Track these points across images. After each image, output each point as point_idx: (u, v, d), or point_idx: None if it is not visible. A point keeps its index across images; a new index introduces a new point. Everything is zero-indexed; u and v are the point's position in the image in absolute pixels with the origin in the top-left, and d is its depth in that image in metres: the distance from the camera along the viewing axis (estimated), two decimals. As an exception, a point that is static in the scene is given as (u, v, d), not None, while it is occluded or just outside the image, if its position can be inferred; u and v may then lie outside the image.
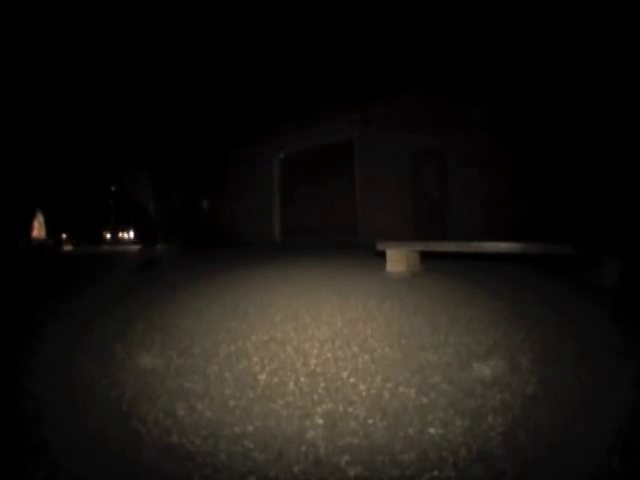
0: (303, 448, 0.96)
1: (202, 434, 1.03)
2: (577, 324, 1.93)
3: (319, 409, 1.15)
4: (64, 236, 20.96)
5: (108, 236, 33.95)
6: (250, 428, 1.05)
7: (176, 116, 14.11)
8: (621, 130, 6.00)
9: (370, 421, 1.08)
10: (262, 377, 1.37)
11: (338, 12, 9.17)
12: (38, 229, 14.63)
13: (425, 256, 3.69)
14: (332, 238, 10.51)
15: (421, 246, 3.28)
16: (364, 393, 1.24)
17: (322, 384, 1.31)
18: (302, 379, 1.35)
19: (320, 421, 1.08)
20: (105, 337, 1.84)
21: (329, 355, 1.57)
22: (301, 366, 1.46)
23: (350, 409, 1.14)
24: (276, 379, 1.35)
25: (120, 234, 33.41)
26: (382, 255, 3.50)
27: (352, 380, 1.33)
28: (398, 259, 3.36)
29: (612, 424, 1.05)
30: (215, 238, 13.99)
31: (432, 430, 1.03)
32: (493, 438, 1.00)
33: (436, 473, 0.87)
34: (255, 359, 1.54)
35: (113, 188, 27.93)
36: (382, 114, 9.41)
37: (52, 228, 15.37)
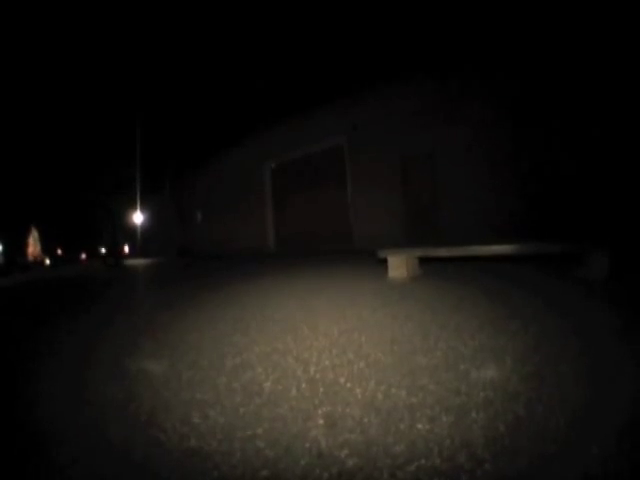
0: (307, 444, 1.10)
1: (217, 438, 1.16)
2: (561, 318, 2.07)
3: (320, 411, 1.28)
4: (59, 252, 20.88)
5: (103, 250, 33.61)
6: (260, 430, 1.19)
7: (167, 129, 14.28)
8: (608, 130, 6.19)
9: (365, 419, 1.22)
10: (267, 385, 1.51)
11: (323, 18, 9.33)
12: (33, 245, 14.66)
13: (424, 260, 3.84)
14: (327, 245, 10.65)
15: (420, 252, 3.46)
16: (359, 395, 1.38)
17: (321, 389, 1.44)
18: (303, 385, 1.49)
19: (321, 421, 1.22)
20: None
21: (327, 362, 1.71)
22: (302, 373, 1.60)
23: (347, 410, 1.28)
24: (280, 386, 1.49)
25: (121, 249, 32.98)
26: (383, 262, 3.67)
27: (349, 385, 1.47)
28: (399, 265, 3.55)
29: (590, 414, 1.18)
30: (210, 249, 14.10)
31: (420, 425, 1.17)
32: (475, 431, 1.13)
33: (423, 462, 1.01)
34: (259, 369, 1.67)
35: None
36: (370, 118, 9.57)
37: (48, 244, 15.41)
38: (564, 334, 1.83)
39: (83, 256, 31.26)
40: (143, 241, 21.39)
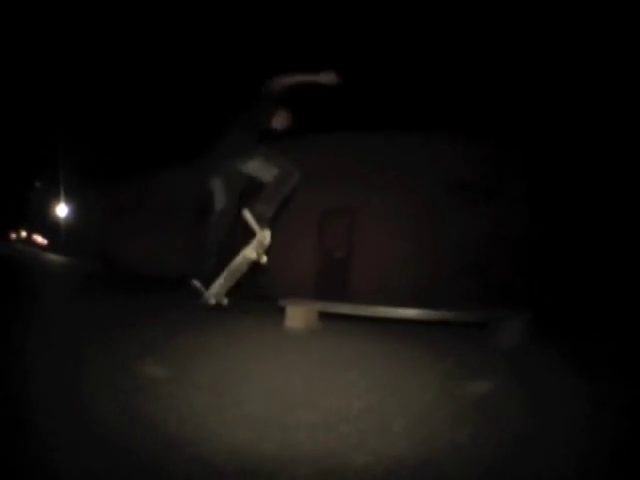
0: None
1: None
2: (450, 386, 2.04)
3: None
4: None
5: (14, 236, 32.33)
6: None
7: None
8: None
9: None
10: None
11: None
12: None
13: (330, 315, 3.75)
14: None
15: (320, 306, 3.40)
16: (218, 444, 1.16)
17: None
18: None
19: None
20: None
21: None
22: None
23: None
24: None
25: (35, 236, 28.83)
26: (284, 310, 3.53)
27: (210, 435, 1.24)
28: (297, 316, 3.43)
29: None
30: (139, 265, 12.47)
31: None
32: None
33: None
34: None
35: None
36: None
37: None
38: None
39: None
40: (68, 236, 19.16)
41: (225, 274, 2.79)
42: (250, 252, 2.78)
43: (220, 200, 3.01)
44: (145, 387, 1.66)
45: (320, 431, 1.36)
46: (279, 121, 3.05)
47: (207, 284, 2.77)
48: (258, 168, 2.88)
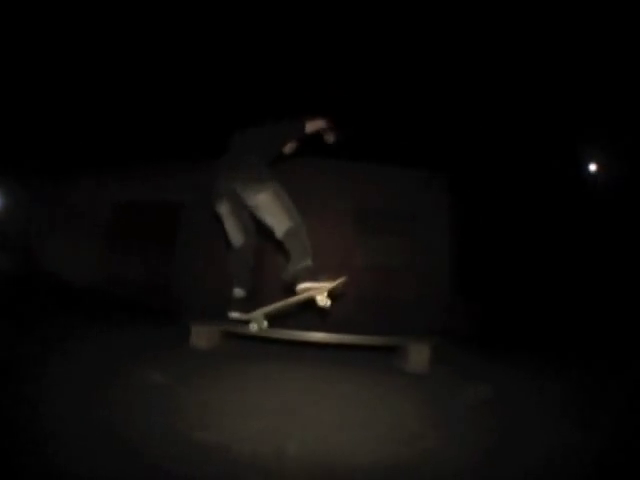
0: None
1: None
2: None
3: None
4: None
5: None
6: None
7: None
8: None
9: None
10: None
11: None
12: None
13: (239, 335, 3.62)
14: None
15: (225, 326, 3.31)
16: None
17: None
18: None
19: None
20: None
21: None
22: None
23: None
24: None
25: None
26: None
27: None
28: (201, 335, 3.41)
29: None
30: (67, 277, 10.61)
31: None
32: None
33: None
34: None
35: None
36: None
37: None
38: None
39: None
40: None
41: (279, 305, 2.66)
42: (323, 300, 2.49)
43: (236, 238, 2.77)
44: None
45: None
46: (290, 147, 2.96)
47: (246, 311, 2.72)
48: (265, 204, 2.54)
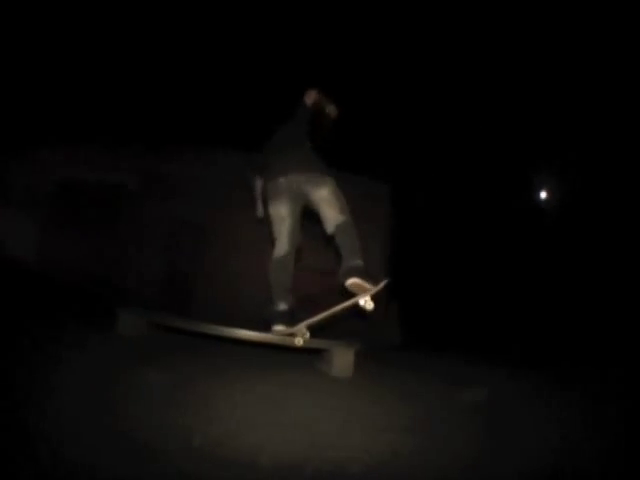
0: None
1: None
2: None
3: None
4: None
5: None
6: None
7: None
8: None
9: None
10: None
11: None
12: None
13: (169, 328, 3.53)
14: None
15: (152, 316, 3.37)
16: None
17: None
18: None
19: None
20: None
21: None
22: None
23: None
24: None
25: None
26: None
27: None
28: (128, 324, 3.41)
29: None
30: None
31: None
32: None
33: None
34: None
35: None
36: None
37: None
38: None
39: None
40: None
41: (324, 315, 2.68)
42: (368, 303, 2.53)
43: (282, 244, 2.75)
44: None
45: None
46: (323, 127, 3.00)
47: (290, 324, 2.70)
48: (326, 198, 2.58)
